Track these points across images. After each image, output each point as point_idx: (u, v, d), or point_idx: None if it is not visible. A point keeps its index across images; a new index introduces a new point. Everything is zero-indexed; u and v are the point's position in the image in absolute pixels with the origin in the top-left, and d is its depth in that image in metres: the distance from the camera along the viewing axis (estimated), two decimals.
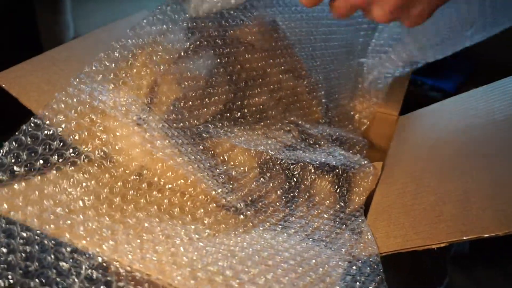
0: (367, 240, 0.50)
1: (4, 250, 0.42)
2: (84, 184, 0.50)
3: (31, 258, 0.43)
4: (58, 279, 0.42)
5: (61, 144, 0.51)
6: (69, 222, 0.45)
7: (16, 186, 0.47)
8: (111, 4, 0.95)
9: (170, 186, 0.53)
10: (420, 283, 0.69)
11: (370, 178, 0.60)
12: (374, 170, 0.62)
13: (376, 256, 0.47)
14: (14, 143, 0.48)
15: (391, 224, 0.51)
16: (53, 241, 0.44)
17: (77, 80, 0.52)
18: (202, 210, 0.52)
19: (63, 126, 0.50)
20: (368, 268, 0.46)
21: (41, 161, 0.49)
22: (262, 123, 0.65)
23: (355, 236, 0.52)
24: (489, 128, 0.57)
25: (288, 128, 0.66)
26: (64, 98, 0.51)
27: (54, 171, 0.50)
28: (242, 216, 0.53)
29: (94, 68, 0.53)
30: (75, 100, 0.52)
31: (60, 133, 0.51)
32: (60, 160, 0.51)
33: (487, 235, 0.40)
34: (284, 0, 0.71)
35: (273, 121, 0.66)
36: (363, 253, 0.48)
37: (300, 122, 0.67)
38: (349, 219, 0.56)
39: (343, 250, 0.50)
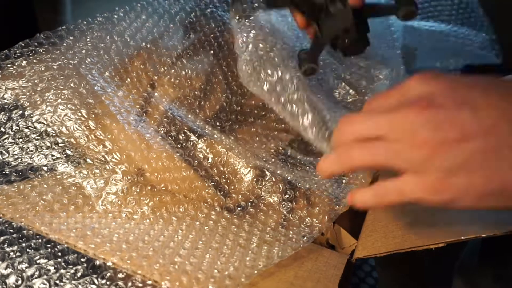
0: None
1: None
2: (83, 183, 0.50)
3: None
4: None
5: (59, 143, 0.51)
6: (65, 224, 0.46)
7: (12, 185, 0.48)
8: (111, 4, 0.95)
9: (167, 188, 0.53)
10: (419, 283, 0.69)
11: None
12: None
13: None
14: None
15: (390, 224, 0.51)
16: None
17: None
18: (199, 212, 0.52)
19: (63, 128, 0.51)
20: None
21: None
22: (259, 124, 0.64)
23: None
24: None
25: (286, 128, 0.65)
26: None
27: (49, 172, 0.50)
28: (239, 217, 0.53)
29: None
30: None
31: (58, 133, 0.51)
32: (58, 159, 0.51)
33: (485, 235, 0.40)
34: None
35: (271, 122, 0.65)
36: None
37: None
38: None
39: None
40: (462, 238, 0.42)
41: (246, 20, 0.53)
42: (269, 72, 0.50)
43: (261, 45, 0.51)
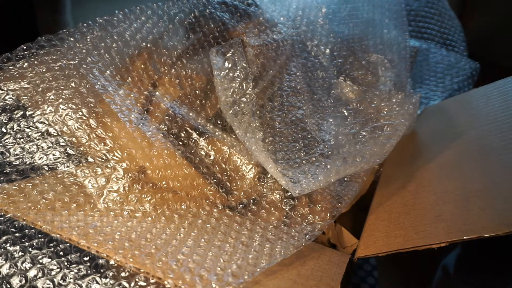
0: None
1: None
2: (84, 181, 0.50)
3: None
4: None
5: (60, 142, 0.51)
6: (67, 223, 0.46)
7: (13, 184, 0.48)
8: (111, 4, 0.95)
9: (169, 185, 0.53)
10: (420, 283, 0.69)
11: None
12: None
13: None
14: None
15: (391, 223, 0.51)
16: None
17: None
18: (201, 209, 0.52)
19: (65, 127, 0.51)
20: None
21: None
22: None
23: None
24: (489, 128, 0.56)
25: None
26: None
27: (49, 171, 0.50)
28: (241, 215, 0.53)
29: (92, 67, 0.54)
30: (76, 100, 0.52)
31: (59, 133, 0.51)
32: (59, 158, 0.51)
33: (487, 235, 0.40)
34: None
35: None
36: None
37: None
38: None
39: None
40: (465, 238, 0.42)
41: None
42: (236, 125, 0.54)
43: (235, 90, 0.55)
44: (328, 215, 0.54)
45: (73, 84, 0.53)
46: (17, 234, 0.46)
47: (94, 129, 0.52)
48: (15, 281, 0.43)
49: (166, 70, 0.58)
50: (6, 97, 0.52)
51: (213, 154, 0.56)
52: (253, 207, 0.54)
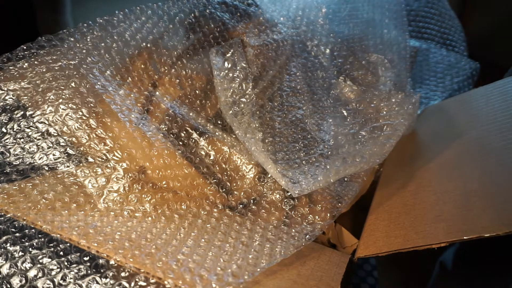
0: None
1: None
2: (84, 181, 0.50)
3: None
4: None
5: (60, 142, 0.51)
6: (67, 222, 0.46)
7: (13, 184, 0.48)
8: (111, 4, 0.95)
9: (169, 185, 0.53)
10: (420, 283, 0.69)
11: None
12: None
13: None
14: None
15: (391, 223, 0.51)
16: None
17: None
18: (201, 209, 0.52)
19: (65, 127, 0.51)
20: None
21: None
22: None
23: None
24: (489, 128, 0.56)
25: None
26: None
27: (50, 171, 0.50)
28: (241, 215, 0.53)
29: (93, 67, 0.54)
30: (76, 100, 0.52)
31: (59, 133, 0.51)
32: (59, 158, 0.51)
33: (487, 235, 0.40)
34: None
35: None
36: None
37: None
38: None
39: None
40: (465, 238, 0.42)
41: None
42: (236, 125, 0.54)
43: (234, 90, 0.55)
44: (328, 215, 0.54)
45: (73, 84, 0.53)
46: (17, 234, 0.46)
47: (94, 129, 0.52)
48: (15, 281, 0.43)
49: (166, 70, 0.58)
50: (6, 97, 0.52)
51: (213, 154, 0.56)
52: (253, 207, 0.54)
